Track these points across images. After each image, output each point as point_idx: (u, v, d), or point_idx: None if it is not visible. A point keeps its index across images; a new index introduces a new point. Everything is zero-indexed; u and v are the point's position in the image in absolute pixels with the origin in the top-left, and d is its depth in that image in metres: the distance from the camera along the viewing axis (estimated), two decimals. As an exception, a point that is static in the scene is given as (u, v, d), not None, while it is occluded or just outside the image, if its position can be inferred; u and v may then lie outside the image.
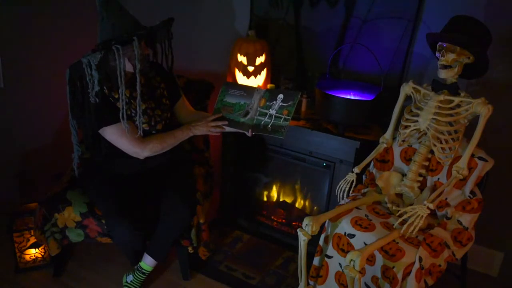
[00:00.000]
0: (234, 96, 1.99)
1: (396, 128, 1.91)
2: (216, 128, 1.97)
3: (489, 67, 1.69)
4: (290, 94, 1.91)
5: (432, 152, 1.79)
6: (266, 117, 1.90)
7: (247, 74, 2.36)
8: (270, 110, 1.91)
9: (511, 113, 2.07)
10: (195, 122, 1.99)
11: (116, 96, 1.83)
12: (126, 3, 1.86)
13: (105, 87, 1.82)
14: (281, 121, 1.87)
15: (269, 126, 1.89)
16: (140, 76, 1.81)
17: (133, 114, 1.87)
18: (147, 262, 2.02)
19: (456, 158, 1.73)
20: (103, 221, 1.96)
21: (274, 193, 2.72)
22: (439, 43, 1.67)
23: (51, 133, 2.80)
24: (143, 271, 2.04)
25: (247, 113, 1.95)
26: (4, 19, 2.39)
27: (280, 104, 1.89)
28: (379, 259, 1.63)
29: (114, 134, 1.85)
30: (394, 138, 1.94)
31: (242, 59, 2.35)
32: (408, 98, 1.87)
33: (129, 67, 1.82)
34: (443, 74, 1.68)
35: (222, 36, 2.69)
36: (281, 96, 1.91)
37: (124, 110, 1.78)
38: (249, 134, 1.93)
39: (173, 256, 2.31)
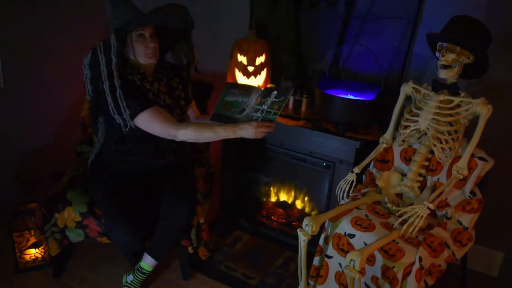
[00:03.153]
0: (233, 95, 2.00)
1: (396, 128, 1.91)
2: (262, 133, 1.87)
3: (489, 67, 1.69)
4: (283, 90, 1.92)
5: (432, 152, 1.79)
6: (258, 113, 1.91)
7: (247, 74, 2.36)
8: (263, 106, 1.91)
9: (511, 113, 2.07)
10: (241, 124, 1.87)
11: (148, 87, 1.91)
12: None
13: (136, 78, 1.89)
14: (271, 115, 1.87)
15: (259, 120, 1.89)
16: (159, 78, 1.92)
17: (162, 104, 1.93)
18: (147, 262, 2.02)
19: (456, 158, 1.73)
20: (103, 221, 1.96)
21: (274, 193, 2.72)
22: (439, 43, 1.67)
23: (51, 133, 2.80)
24: (143, 271, 2.04)
25: (243, 110, 1.95)
26: (4, 19, 2.39)
27: (273, 100, 1.89)
28: (379, 259, 1.63)
29: (144, 120, 1.85)
30: (394, 138, 1.94)
31: (242, 59, 2.35)
32: (408, 98, 1.87)
33: (144, 60, 1.89)
34: (443, 74, 1.68)
35: (222, 36, 2.69)
36: (275, 92, 1.92)
37: (112, 105, 1.80)
38: None
39: (173, 256, 2.31)
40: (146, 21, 1.85)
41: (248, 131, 1.83)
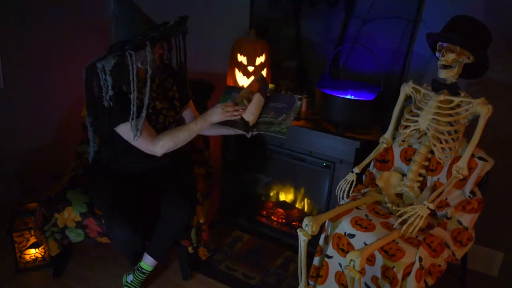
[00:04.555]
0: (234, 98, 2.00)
1: (396, 128, 1.91)
2: (233, 113, 1.88)
3: (489, 67, 1.69)
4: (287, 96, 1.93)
5: (432, 152, 1.79)
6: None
7: (247, 74, 2.36)
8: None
9: (511, 113, 2.07)
10: (208, 111, 1.91)
11: (137, 95, 1.81)
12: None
13: (124, 86, 1.81)
14: (270, 117, 1.88)
15: (262, 124, 1.89)
16: (151, 80, 1.82)
17: (150, 112, 1.89)
18: (147, 262, 2.02)
19: (456, 158, 1.73)
20: (103, 221, 1.96)
21: (274, 193, 2.72)
22: (439, 43, 1.67)
23: (51, 133, 2.80)
24: (143, 271, 2.04)
25: None
26: (4, 19, 2.39)
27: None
28: (379, 259, 1.63)
29: (127, 133, 1.84)
30: (394, 138, 1.94)
31: (242, 59, 2.35)
32: (408, 98, 1.87)
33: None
34: (443, 74, 1.68)
35: (222, 36, 2.69)
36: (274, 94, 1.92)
37: (134, 114, 1.78)
38: (248, 135, 1.93)
39: (173, 256, 2.31)
40: (170, 34, 1.85)
41: (216, 115, 1.87)
